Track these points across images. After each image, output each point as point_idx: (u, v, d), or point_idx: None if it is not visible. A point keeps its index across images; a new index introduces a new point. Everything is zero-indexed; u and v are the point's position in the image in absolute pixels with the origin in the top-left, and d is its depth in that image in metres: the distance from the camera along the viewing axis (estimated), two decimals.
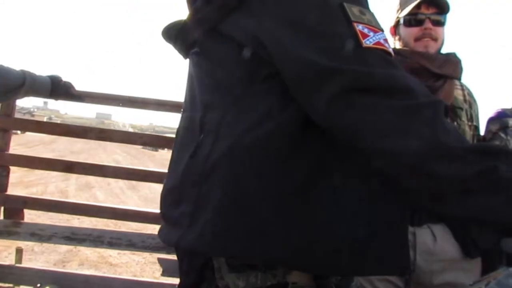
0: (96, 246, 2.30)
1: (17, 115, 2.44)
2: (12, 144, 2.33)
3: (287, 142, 0.76)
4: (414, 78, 0.74)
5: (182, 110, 1.01)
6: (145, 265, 4.19)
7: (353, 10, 0.74)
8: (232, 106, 0.82)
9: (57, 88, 1.89)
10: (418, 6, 1.49)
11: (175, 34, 0.96)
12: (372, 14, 0.77)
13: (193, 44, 0.92)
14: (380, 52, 0.73)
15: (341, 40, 0.72)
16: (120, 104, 2.31)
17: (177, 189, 0.87)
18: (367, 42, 0.72)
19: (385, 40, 0.75)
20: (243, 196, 0.76)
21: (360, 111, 0.69)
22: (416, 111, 0.69)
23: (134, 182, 9.12)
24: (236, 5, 0.83)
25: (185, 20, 0.94)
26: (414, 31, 1.51)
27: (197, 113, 0.89)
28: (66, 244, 2.28)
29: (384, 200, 0.79)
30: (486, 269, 1.42)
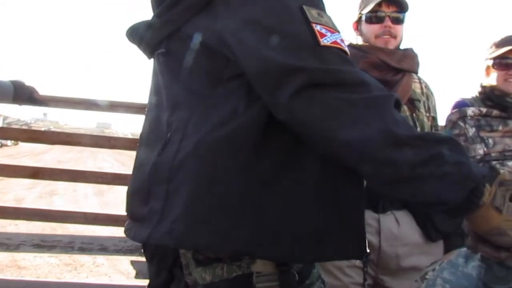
0: (67, 252, 2.27)
1: (14, 127, 2.39)
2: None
3: (251, 139, 0.79)
4: (367, 74, 0.80)
5: (146, 110, 1.02)
6: (57, 266, 4.09)
7: (312, 12, 0.79)
8: (198, 105, 0.84)
9: (20, 93, 1.86)
10: (379, 4, 1.55)
11: (140, 34, 0.97)
12: (329, 17, 0.82)
13: (158, 45, 0.93)
14: (336, 51, 0.78)
15: (300, 39, 0.77)
16: (84, 108, 2.28)
17: (145, 187, 0.89)
18: (325, 41, 0.77)
19: (342, 40, 0.80)
20: (210, 191, 0.79)
21: (318, 105, 0.74)
22: (370, 103, 0.74)
23: (102, 188, 8.96)
24: (202, 7, 0.86)
25: (150, 21, 0.96)
26: (375, 28, 1.57)
27: (163, 113, 0.90)
28: (35, 252, 2.24)
29: (344, 187, 0.83)
30: (449, 251, 1.49)
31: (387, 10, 1.56)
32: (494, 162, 1.62)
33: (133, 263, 2.20)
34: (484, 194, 0.74)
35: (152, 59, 1.01)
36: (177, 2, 0.88)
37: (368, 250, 0.88)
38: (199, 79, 0.86)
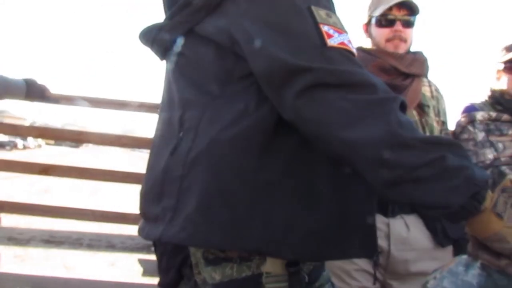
0: (75, 248, 2.28)
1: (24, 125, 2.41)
2: None
3: (263, 137, 0.81)
4: (374, 75, 0.80)
5: (159, 110, 1.04)
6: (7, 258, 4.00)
7: (320, 13, 0.80)
8: (210, 104, 0.85)
9: (32, 91, 1.89)
10: (390, 8, 1.53)
11: (153, 36, 0.98)
12: (337, 17, 0.83)
13: (170, 46, 0.95)
14: (343, 51, 0.79)
15: (307, 39, 0.78)
16: (93, 106, 2.29)
17: (158, 186, 0.90)
18: (332, 42, 0.78)
19: (349, 41, 0.81)
20: (222, 189, 0.80)
21: (324, 104, 0.75)
22: (375, 104, 0.75)
23: (98, 187, 8.95)
24: (213, 8, 0.87)
25: (162, 23, 0.97)
26: (385, 32, 1.55)
27: (175, 112, 0.91)
28: (44, 247, 2.25)
29: (355, 187, 0.84)
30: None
31: (397, 14, 1.54)
32: (503, 167, 1.61)
33: (140, 261, 2.21)
34: (486, 199, 0.74)
35: (164, 61, 1.03)
36: (188, 3, 0.90)
37: (379, 250, 0.88)
38: (210, 79, 0.87)
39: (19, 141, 38.43)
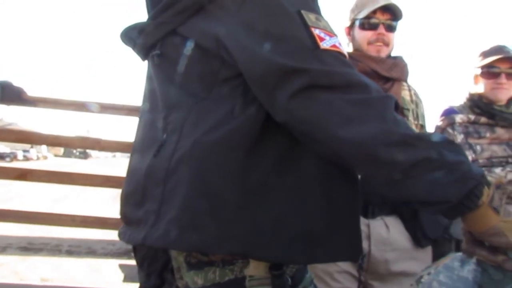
0: (54, 255, 2.24)
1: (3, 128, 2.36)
2: None
3: (248, 140, 0.80)
4: (365, 76, 0.81)
5: (140, 112, 1.02)
6: None
7: (310, 17, 0.81)
8: (195, 106, 0.85)
9: (8, 93, 1.84)
10: (374, 11, 1.56)
11: (135, 36, 0.97)
12: (326, 21, 0.84)
13: (153, 46, 0.93)
14: (336, 54, 0.80)
15: (300, 42, 0.78)
16: (74, 109, 2.26)
17: (141, 189, 0.88)
18: (324, 45, 0.78)
19: (340, 43, 0.82)
20: (207, 192, 0.79)
21: (319, 104, 0.75)
22: (370, 103, 0.76)
23: (65, 193, 8.75)
24: (196, 10, 0.86)
25: (144, 23, 0.95)
26: (368, 34, 1.58)
27: (159, 114, 0.90)
28: (22, 255, 2.20)
29: (341, 189, 0.84)
30: (437, 257, 1.50)
31: (381, 17, 1.57)
32: (482, 169, 1.64)
33: (121, 266, 2.18)
34: (483, 194, 0.75)
35: (146, 62, 1.01)
36: (172, 4, 0.89)
37: (364, 253, 0.88)
38: (194, 81, 0.86)
39: (20, 152, 37.89)
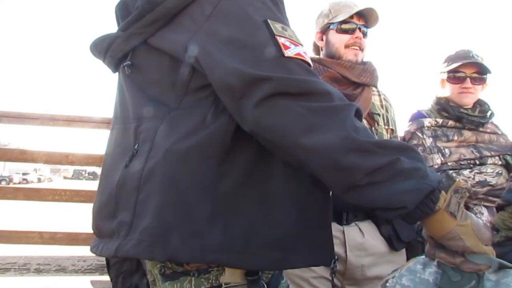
0: (22, 274, 2.15)
1: None
2: None
3: (220, 149, 0.81)
4: (330, 85, 0.82)
5: (111, 124, 1.01)
6: None
7: (276, 26, 0.82)
8: (166, 116, 0.85)
9: None
10: (351, 16, 1.59)
11: (105, 48, 0.96)
12: (293, 31, 0.85)
13: (124, 57, 0.94)
14: (300, 62, 0.81)
15: (265, 51, 0.79)
16: (40, 124, 2.20)
17: (113, 200, 0.87)
18: (289, 53, 0.80)
19: (305, 52, 0.83)
20: (180, 200, 0.79)
21: (282, 112, 0.76)
22: (332, 111, 0.77)
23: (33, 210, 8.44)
24: (167, 21, 0.87)
25: (115, 34, 0.95)
26: (345, 38, 1.60)
27: (130, 125, 0.90)
28: None
29: (311, 196, 0.85)
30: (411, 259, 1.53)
31: (358, 22, 1.60)
32: (450, 171, 1.69)
33: (93, 283, 2.12)
34: (439, 199, 0.77)
35: (116, 73, 1.00)
36: (143, 15, 0.89)
37: (336, 257, 0.89)
38: (166, 90, 0.87)
39: (17, 175, 36.16)
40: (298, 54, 0.81)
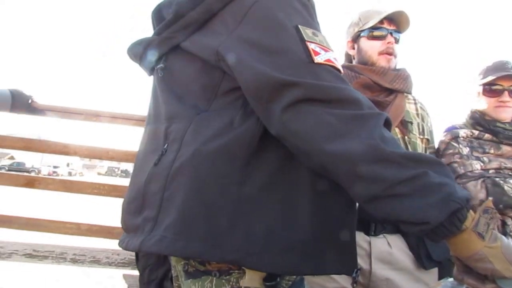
0: (58, 263, 2.24)
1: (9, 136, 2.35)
2: None
3: (247, 151, 0.82)
4: (361, 92, 0.82)
5: (145, 124, 1.04)
6: None
7: (307, 32, 0.82)
8: (196, 117, 0.87)
9: (18, 102, 1.84)
10: (381, 21, 1.56)
11: (141, 52, 1.00)
12: (323, 36, 0.85)
13: (158, 61, 0.97)
14: (329, 68, 0.81)
15: (295, 56, 0.80)
16: (84, 119, 2.27)
17: (141, 196, 0.90)
18: (319, 59, 0.80)
19: (335, 58, 0.83)
20: (203, 200, 0.80)
21: (309, 118, 0.76)
22: (360, 119, 0.76)
23: (72, 202, 8.70)
24: (200, 25, 0.89)
25: (150, 38, 0.99)
26: (377, 44, 1.57)
27: (161, 125, 0.93)
28: (27, 262, 2.21)
29: (335, 203, 0.84)
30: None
31: (389, 28, 1.57)
32: (497, 179, 1.58)
33: (125, 277, 2.17)
34: (467, 218, 0.74)
35: (152, 76, 1.04)
36: (176, 19, 0.92)
37: (358, 267, 0.87)
38: (196, 93, 0.89)
39: (45, 168, 36.98)
40: (328, 60, 0.81)
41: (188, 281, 0.85)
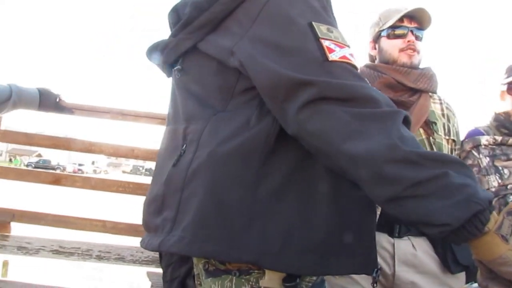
0: (84, 259, 2.28)
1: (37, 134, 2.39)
2: None
3: (262, 150, 0.82)
4: (382, 91, 0.81)
5: (166, 123, 1.05)
6: None
7: (321, 28, 0.81)
8: (212, 118, 0.87)
9: (46, 100, 1.86)
10: (401, 20, 1.53)
11: (159, 53, 1.01)
12: (339, 32, 0.84)
13: (175, 62, 0.98)
14: (345, 65, 0.80)
15: (309, 54, 0.79)
16: (110, 118, 2.31)
17: (160, 197, 0.91)
18: (333, 56, 0.79)
19: (351, 54, 0.82)
20: (221, 200, 0.81)
21: (326, 117, 0.75)
22: (377, 118, 0.75)
23: (98, 199, 8.86)
24: (215, 26, 0.89)
25: (167, 40, 1.00)
26: (398, 42, 1.54)
27: (180, 125, 0.94)
28: (54, 257, 2.25)
29: (354, 203, 0.83)
30: None
31: (409, 25, 1.54)
32: (511, 197, 1.54)
33: (149, 274, 2.20)
34: (490, 220, 0.71)
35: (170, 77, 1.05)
36: (191, 21, 0.92)
37: (379, 267, 0.86)
38: (213, 94, 0.90)
39: (70, 165, 37.60)
40: (344, 57, 0.80)
41: (208, 280, 0.86)
